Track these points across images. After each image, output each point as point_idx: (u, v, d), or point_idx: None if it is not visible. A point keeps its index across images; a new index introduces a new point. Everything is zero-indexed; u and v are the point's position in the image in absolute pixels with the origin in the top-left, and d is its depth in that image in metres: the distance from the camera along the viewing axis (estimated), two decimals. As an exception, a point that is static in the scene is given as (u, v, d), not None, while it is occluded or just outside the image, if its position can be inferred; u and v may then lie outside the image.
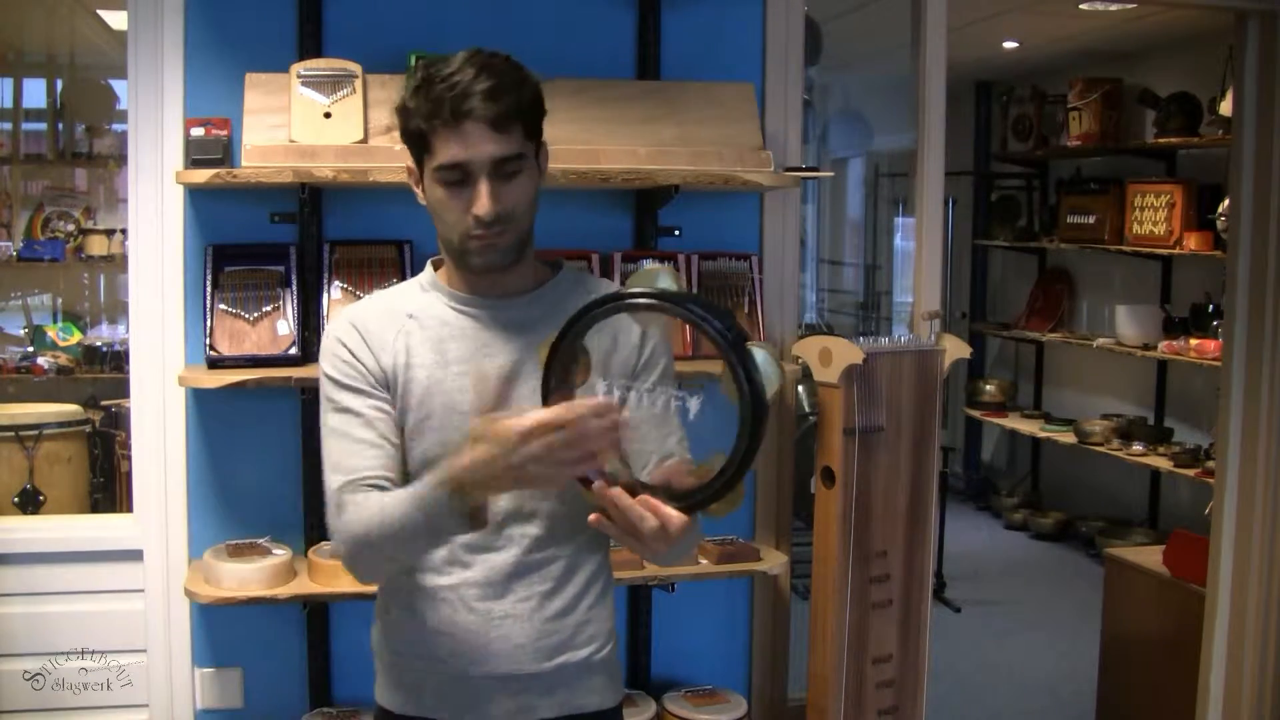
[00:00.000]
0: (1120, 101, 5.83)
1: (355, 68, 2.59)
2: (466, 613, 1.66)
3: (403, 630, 1.70)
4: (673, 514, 1.41)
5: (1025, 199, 6.91)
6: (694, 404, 1.44)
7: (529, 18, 2.76)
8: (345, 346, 1.67)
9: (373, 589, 1.80)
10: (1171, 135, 5.32)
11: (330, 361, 1.68)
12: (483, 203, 1.57)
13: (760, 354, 1.39)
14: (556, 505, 1.66)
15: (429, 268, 1.75)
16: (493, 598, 1.66)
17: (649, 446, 1.65)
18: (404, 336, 1.67)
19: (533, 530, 1.66)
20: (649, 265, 1.47)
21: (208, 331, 2.57)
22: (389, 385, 1.66)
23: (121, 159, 4.38)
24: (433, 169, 1.59)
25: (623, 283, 1.65)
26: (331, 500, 1.62)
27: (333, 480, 1.62)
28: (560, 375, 1.47)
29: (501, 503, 1.64)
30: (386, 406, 1.65)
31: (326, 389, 1.68)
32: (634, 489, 1.43)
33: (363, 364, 1.66)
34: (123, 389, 2.96)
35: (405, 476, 1.64)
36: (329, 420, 1.66)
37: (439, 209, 1.62)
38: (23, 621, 2.70)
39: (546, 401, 1.46)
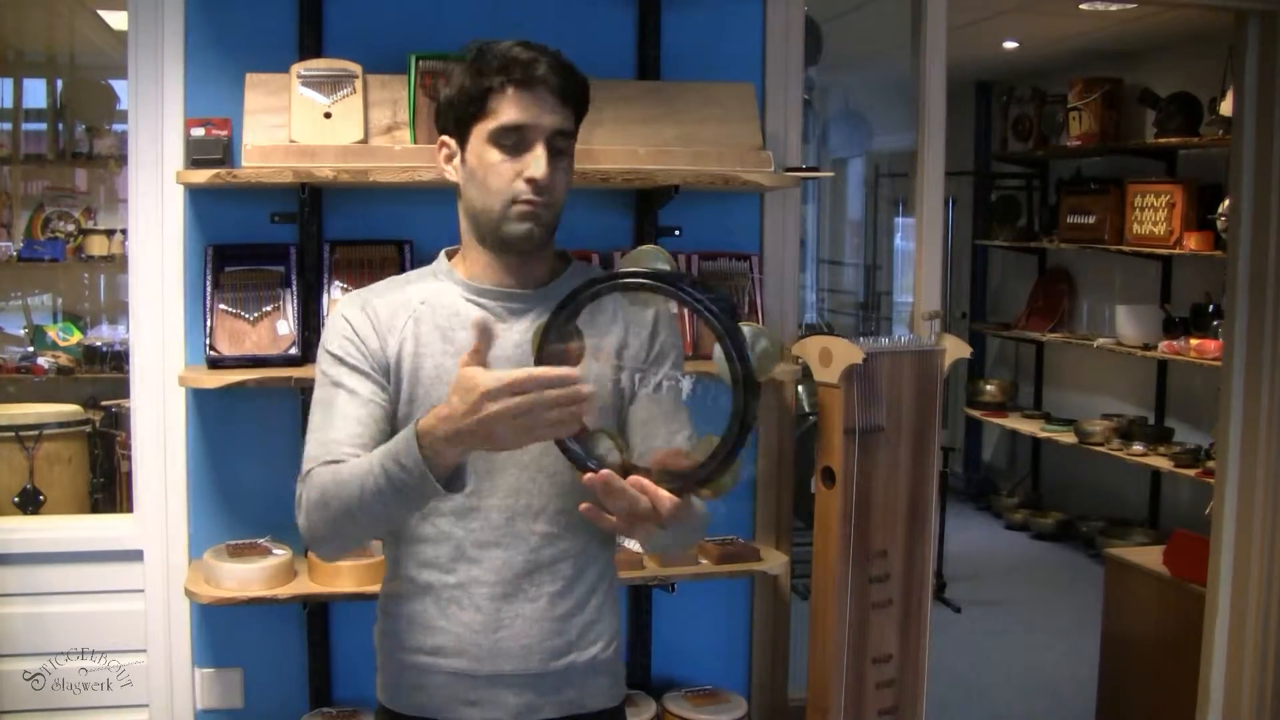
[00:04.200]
0: (1120, 101, 5.83)
1: (355, 68, 2.59)
2: (474, 611, 1.65)
3: (407, 628, 1.69)
4: (663, 494, 1.40)
5: (1025, 199, 6.92)
6: (686, 384, 1.44)
7: (529, 17, 2.76)
8: (351, 326, 1.66)
9: (374, 588, 1.79)
10: (1171, 135, 5.32)
11: (334, 338, 1.67)
12: (540, 165, 1.59)
13: (750, 331, 1.40)
14: (564, 502, 1.65)
15: (442, 257, 1.75)
16: (502, 597, 1.65)
17: (656, 442, 1.64)
18: (414, 323, 1.67)
19: (540, 528, 1.65)
20: (642, 247, 1.47)
21: (208, 331, 2.57)
22: (388, 372, 1.65)
23: (121, 159, 4.39)
24: (489, 130, 1.60)
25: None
26: (303, 469, 1.61)
27: (308, 449, 1.61)
28: (552, 356, 1.46)
29: (504, 500, 1.64)
30: (381, 392, 1.64)
31: (324, 363, 1.67)
32: (627, 471, 1.44)
33: (365, 345, 1.65)
34: (123, 389, 2.96)
35: None
36: (319, 393, 1.66)
37: (485, 174, 1.62)
38: (23, 621, 2.70)
39: None
